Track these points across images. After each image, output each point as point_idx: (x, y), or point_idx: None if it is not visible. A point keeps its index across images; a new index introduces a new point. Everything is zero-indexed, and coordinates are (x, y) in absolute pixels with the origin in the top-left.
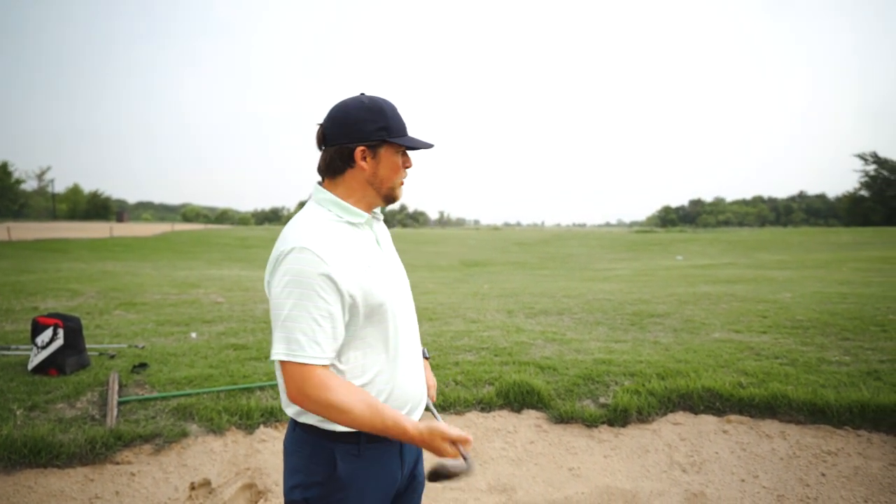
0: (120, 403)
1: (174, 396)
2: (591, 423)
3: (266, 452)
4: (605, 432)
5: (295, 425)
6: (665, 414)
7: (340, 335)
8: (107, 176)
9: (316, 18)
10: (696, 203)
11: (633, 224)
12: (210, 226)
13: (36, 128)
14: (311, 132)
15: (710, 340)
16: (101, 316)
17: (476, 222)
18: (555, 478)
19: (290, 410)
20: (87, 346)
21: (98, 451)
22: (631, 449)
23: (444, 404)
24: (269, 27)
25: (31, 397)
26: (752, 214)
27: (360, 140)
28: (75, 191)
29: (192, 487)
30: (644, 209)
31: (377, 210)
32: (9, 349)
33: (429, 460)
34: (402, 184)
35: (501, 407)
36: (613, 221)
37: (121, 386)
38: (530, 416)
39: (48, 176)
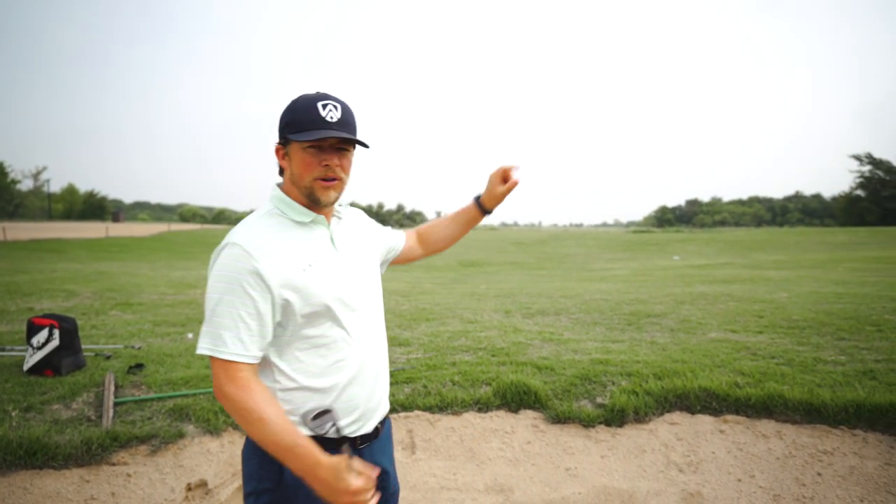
0: (116, 404)
1: (171, 397)
2: (588, 423)
3: None
4: (602, 432)
5: None
6: (662, 414)
7: (268, 334)
8: (102, 176)
9: (316, 18)
10: (693, 203)
11: (629, 224)
12: (207, 226)
13: (32, 127)
14: None
15: (706, 340)
16: (97, 316)
17: None
18: (552, 478)
19: None
20: (83, 346)
21: (94, 452)
22: (628, 449)
23: (441, 405)
24: (268, 27)
25: (27, 398)
26: (749, 214)
27: (279, 139)
28: (71, 191)
29: (189, 488)
30: (641, 209)
31: (339, 208)
32: (4, 350)
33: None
34: (323, 184)
35: (498, 407)
36: (610, 221)
37: (117, 387)
38: (527, 417)
39: (44, 176)
